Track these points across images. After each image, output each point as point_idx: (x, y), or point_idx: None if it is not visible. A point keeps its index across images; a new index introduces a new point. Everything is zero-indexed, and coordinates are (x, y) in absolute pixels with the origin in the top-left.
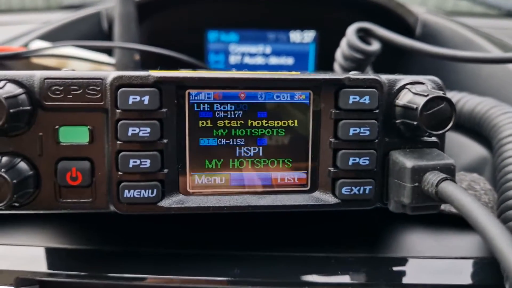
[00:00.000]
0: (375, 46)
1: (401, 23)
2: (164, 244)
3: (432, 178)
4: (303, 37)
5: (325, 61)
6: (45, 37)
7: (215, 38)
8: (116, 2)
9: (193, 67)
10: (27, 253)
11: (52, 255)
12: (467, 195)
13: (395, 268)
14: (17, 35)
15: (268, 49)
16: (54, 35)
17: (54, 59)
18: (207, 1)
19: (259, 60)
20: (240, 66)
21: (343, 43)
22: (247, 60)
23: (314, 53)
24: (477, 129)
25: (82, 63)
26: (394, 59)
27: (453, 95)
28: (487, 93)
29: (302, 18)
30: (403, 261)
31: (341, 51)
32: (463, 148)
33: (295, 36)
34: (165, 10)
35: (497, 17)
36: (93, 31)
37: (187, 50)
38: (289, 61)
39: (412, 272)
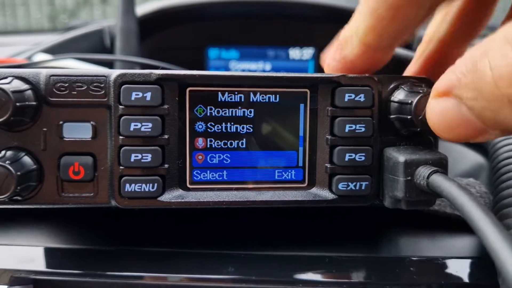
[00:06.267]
0: None
1: None
2: (159, 243)
3: (424, 171)
4: (302, 54)
5: None
6: (48, 51)
7: (215, 55)
8: (118, 16)
9: None
10: (23, 253)
11: (47, 254)
12: (456, 184)
13: (389, 268)
14: (22, 50)
15: (267, 66)
16: (57, 50)
17: None
18: (208, 18)
19: None
20: None
21: None
22: None
23: (313, 70)
24: None
25: None
26: (400, 70)
27: None
28: None
29: (301, 35)
30: (398, 260)
31: None
32: (460, 155)
33: (294, 53)
34: (167, 27)
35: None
36: (95, 47)
37: (188, 67)
38: None
39: (407, 271)
